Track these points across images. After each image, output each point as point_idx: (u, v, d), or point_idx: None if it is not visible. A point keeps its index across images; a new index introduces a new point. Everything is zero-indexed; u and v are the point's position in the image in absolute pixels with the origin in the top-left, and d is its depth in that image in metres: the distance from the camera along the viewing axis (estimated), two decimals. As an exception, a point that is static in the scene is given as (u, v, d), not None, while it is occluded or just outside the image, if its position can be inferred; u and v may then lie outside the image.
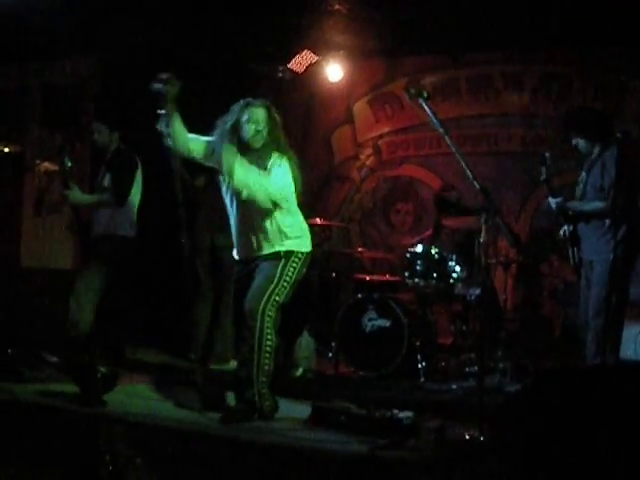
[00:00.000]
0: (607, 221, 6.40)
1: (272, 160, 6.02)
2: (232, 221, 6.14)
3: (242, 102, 6.02)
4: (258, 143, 5.98)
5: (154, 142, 5.93)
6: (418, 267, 7.89)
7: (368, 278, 8.59)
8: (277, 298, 5.87)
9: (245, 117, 5.93)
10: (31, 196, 10.30)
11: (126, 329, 7.64)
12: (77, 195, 7.17)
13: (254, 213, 5.94)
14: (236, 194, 5.93)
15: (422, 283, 7.93)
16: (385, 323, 7.72)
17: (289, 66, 9.96)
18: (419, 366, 7.51)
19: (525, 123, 10.01)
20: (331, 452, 5.02)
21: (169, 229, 6.89)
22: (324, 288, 8.83)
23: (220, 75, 9.67)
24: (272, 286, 5.86)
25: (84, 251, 7.38)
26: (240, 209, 6.00)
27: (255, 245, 6.01)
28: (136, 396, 6.49)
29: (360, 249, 8.88)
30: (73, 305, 6.95)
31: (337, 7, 8.71)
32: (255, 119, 5.94)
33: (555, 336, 9.25)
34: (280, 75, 9.80)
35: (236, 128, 5.96)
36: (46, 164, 9.49)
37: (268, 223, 5.96)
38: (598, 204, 6.54)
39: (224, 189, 6.09)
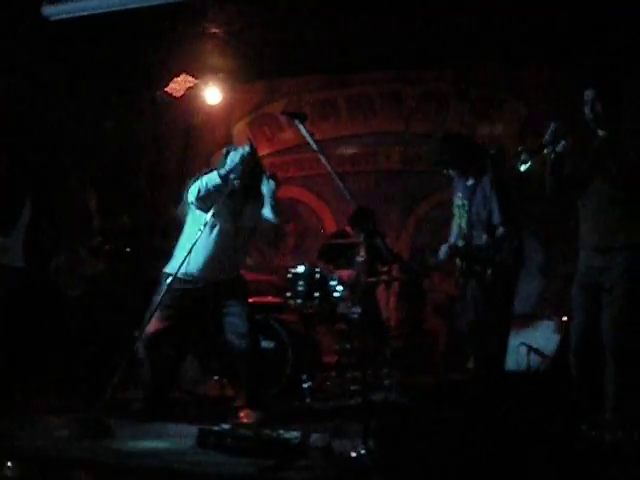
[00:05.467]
0: (485, 237, 6.51)
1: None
2: (208, 244, 6.53)
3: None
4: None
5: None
6: (300, 288, 7.92)
7: (251, 300, 8.56)
8: None
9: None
10: None
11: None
12: None
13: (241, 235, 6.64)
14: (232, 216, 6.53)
15: (305, 303, 7.97)
16: (269, 344, 7.69)
17: (167, 90, 9.92)
18: (304, 386, 7.50)
19: (403, 141, 10.16)
20: (219, 475, 4.98)
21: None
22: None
23: (97, 100, 9.58)
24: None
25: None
26: (228, 232, 6.55)
27: (228, 266, 6.64)
28: None
29: (242, 271, 8.84)
30: None
31: (214, 30, 8.72)
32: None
33: (440, 351, 9.37)
34: (157, 99, 9.74)
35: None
36: None
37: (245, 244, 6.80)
38: (481, 238, 6.67)
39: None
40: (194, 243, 6.19)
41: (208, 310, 6.54)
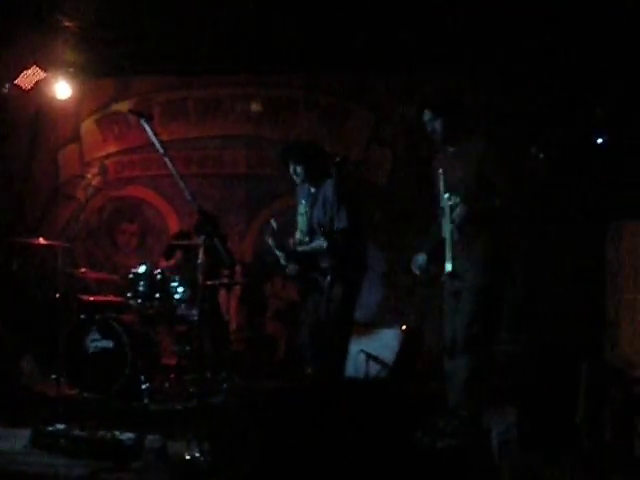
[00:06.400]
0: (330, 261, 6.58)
1: None
2: None
3: None
4: None
5: None
6: (141, 288, 7.88)
7: (92, 299, 8.49)
8: None
9: None
10: None
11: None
12: None
13: None
14: None
15: (145, 304, 7.95)
16: (108, 344, 7.65)
17: (16, 82, 9.71)
18: (143, 387, 7.49)
19: (251, 145, 10.24)
20: (52, 476, 4.94)
21: None
22: (48, 309, 8.66)
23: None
24: None
25: None
26: None
27: None
28: None
29: (83, 269, 8.75)
30: None
31: (67, 24, 8.62)
32: None
33: (279, 355, 9.47)
34: (5, 91, 9.54)
35: None
36: None
37: None
38: (321, 243, 6.69)
39: None
40: None
41: None
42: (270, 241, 7.03)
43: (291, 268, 6.97)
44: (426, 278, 6.19)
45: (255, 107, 9.58)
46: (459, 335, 5.85)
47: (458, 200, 5.78)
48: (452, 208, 5.81)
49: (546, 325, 7.41)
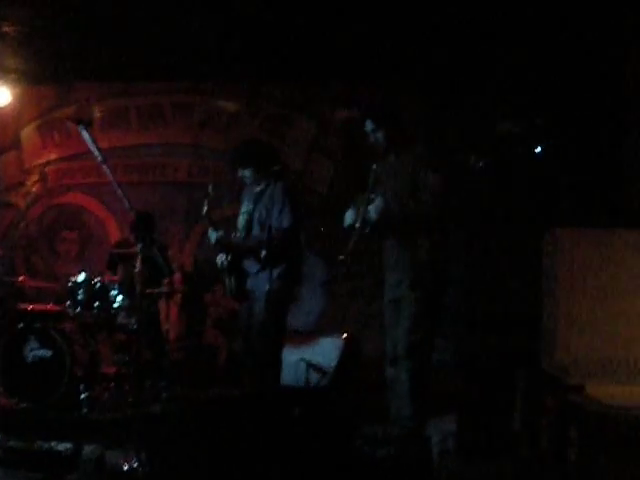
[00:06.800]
0: (263, 253, 6.61)
1: None
2: None
3: None
4: None
5: None
6: (80, 296, 7.83)
7: (30, 307, 8.40)
8: None
9: None
10: None
11: None
12: None
13: None
14: None
15: (84, 312, 7.89)
16: (47, 353, 7.57)
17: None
18: (81, 396, 7.44)
19: (192, 154, 10.23)
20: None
21: None
22: None
23: None
24: None
25: None
26: None
27: None
28: None
29: (22, 277, 8.67)
30: None
31: (6, 29, 8.55)
32: None
33: (220, 364, 9.44)
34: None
35: None
36: None
37: None
38: (259, 238, 6.75)
39: None
40: None
41: None
42: (205, 204, 7.00)
43: (219, 257, 6.99)
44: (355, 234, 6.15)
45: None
46: (400, 343, 5.90)
47: (377, 195, 5.89)
48: (369, 202, 5.92)
49: (483, 332, 7.47)
